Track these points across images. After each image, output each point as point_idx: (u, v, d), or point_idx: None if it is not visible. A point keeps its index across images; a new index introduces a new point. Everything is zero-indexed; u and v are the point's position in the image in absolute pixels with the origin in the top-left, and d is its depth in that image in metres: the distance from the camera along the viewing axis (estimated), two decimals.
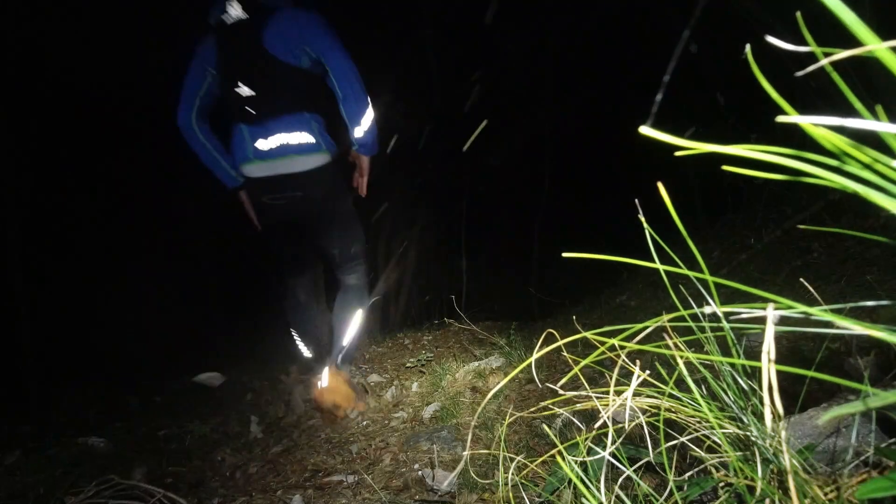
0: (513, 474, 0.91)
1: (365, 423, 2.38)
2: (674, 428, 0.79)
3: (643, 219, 0.73)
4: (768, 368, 0.46)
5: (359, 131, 1.85)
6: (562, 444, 0.77)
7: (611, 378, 0.70)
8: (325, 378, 2.01)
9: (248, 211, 2.13)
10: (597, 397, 0.78)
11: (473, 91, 6.97)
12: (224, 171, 1.96)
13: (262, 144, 1.83)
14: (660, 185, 0.57)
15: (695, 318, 0.69)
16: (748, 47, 0.46)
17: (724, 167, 0.51)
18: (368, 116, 1.86)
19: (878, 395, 0.38)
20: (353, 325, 2.16)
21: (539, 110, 8.49)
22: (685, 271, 0.62)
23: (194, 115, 1.90)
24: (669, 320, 0.65)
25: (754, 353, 1.58)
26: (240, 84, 1.77)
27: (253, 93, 1.77)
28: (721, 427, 0.68)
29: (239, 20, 1.78)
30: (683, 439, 0.74)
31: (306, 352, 2.32)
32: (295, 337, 2.33)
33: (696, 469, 0.82)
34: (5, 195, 5.11)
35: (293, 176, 1.86)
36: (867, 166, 0.39)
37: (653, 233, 0.72)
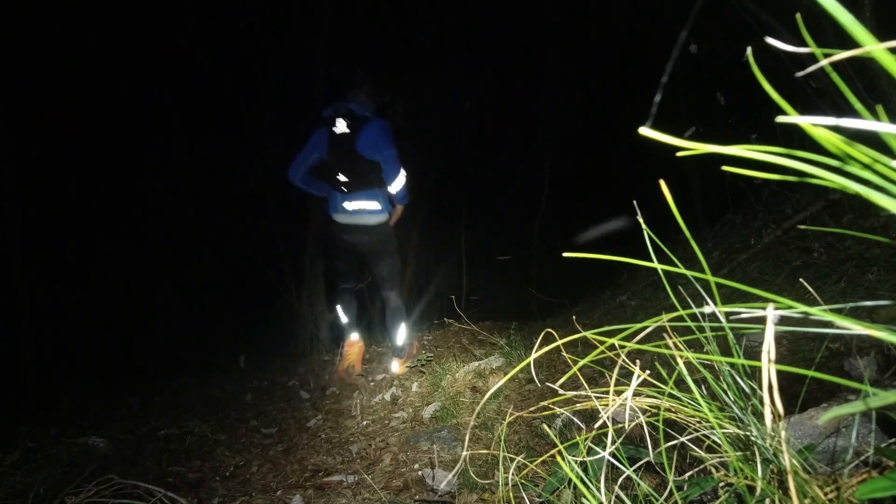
0: (513, 474, 0.91)
1: (365, 423, 2.38)
2: (674, 428, 0.79)
3: (641, 220, 0.73)
4: (768, 368, 0.46)
5: (393, 189, 2.91)
6: (562, 444, 0.77)
7: (611, 378, 0.70)
8: (354, 338, 3.18)
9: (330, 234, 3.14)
10: (597, 397, 0.78)
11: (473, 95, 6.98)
12: (332, 205, 2.97)
13: (348, 206, 2.89)
14: (662, 184, 0.57)
15: (695, 318, 0.70)
16: (749, 48, 0.46)
17: (724, 167, 0.51)
18: (399, 182, 2.89)
19: (878, 395, 0.38)
20: (401, 334, 3.20)
21: (539, 111, 8.49)
22: (685, 271, 0.62)
23: (299, 175, 3.00)
24: (669, 320, 0.65)
25: (754, 353, 1.58)
26: (340, 174, 2.80)
27: (346, 179, 2.81)
28: (721, 427, 0.68)
29: (342, 133, 2.75)
30: (683, 439, 0.74)
31: (345, 319, 3.28)
32: (340, 313, 3.30)
33: (696, 469, 0.82)
34: (6, 196, 5.11)
35: (364, 226, 2.92)
36: (867, 166, 0.39)
37: (651, 233, 0.72)
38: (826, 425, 0.80)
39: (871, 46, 0.33)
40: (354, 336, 3.17)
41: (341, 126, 2.72)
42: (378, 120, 2.83)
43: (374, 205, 2.87)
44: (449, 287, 7.94)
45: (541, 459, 1.07)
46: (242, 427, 2.77)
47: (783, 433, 0.59)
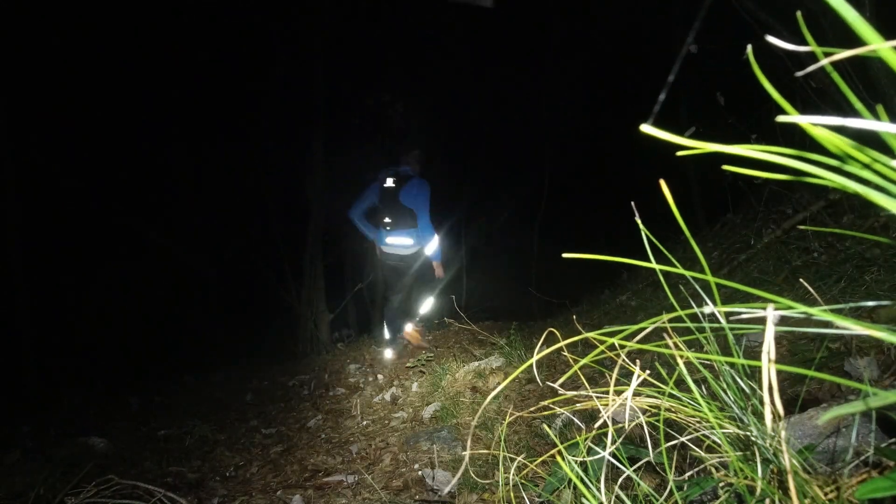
0: (513, 474, 0.91)
1: (365, 423, 2.38)
2: (674, 428, 0.79)
3: (639, 221, 0.73)
4: (768, 368, 0.46)
5: (429, 250, 3.79)
6: (562, 443, 0.77)
7: (611, 378, 0.70)
8: (408, 328, 3.90)
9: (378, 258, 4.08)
10: (597, 397, 0.78)
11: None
12: (378, 237, 3.87)
13: (390, 240, 3.80)
14: (662, 183, 0.57)
15: (695, 318, 0.69)
16: (749, 47, 0.45)
17: (725, 167, 0.51)
18: (434, 243, 3.76)
19: (878, 395, 0.38)
20: (424, 306, 4.09)
21: (539, 111, 8.49)
22: (685, 271, 0.62)
23: (357, 214, 3.86)
24: (669, 320, 0.65)
25: (754, 353, 1.58)
26: (387, 219, 3.71)
27: (390, 220, 3.73)
28: (721, 427, 0.68)
29: (390, 188, 3.71)
30: (683, 439, 0.74)
31: (388, 335, 3.97)
32: (385, 325, 4.02)
33: (696, 469, 0.82)
34: (6, 196, 5.11)
35: (400, 255, 3.86)
36: (867, 166, 0.39)
37: (649, 234, 0.72)
38: (826, 425, 0.80)
39: (877, 45, 0.33)
40: (408, 327, 3.97)
41: (389, 182, 3.74)
42: (420, 179, 3.78)
43: (408, 241, 3.79)
44: (449, 287, 7.93)
45: (541, 459, 1.07)
46: (242, 427, 2.77)
47: (783, 433, 0.59)
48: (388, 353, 3.78)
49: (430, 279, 3.98)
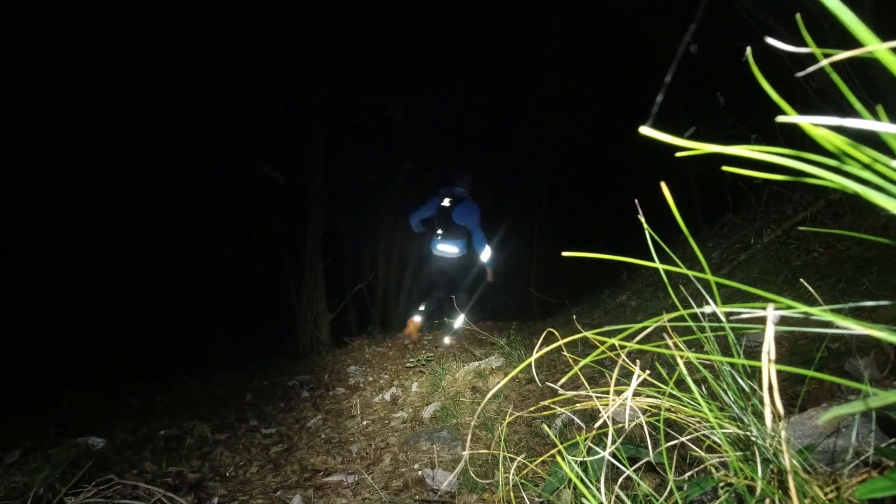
0: (513, 474, 0.91)
1: (365, 423, 2.39)
2: (674, 428, 0.79)
3: (643, 219, 0.73)
4: (768, 368, 0.46)
5: (483, 258, 4.50)
6: (562, 443, 0.77)
7: (611, 378, 0.70)
8: (415, 322, 4.51)
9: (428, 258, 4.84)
10: (597, 397, 0.78)
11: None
12: (430, 242, 4.65)
13: (440, 247, 4.56)
14: (663, 185, 0.57)
15: (695, 317, 0.70)
16: (748, 48, 0.46)
17: (724, 167, 0.51)
18: (486, 252, 4.48)
19: (878, 395, 0.38)
20: (458, 322, 4.49)
21: (540, 111, 8.48)
22: (685, 271, 0.62)
23: (415, 221, 4.67)
24: (669, 320, 0.65)
25: (754, 352, 1.58)
26: (440, 230, 4.51)
27: (442, 232, 4.52)
28: (721, 427, 0.68)
29: (446, 206, 4.50)
30: (683, 439, 0.74)
31: (422, 309, 4.59)
32: (422, 308, 4.59)
33: (696, 469, 0.82)
34: (6, 196, 5.11)
35: (447, 259, 4.58)
36: (867, 166, 0.39)
37: (652, 233, 0.72)
38: (826, 425, 0.80)
39: (874, 46, 0.33)
40: (417, 318, 4.52)
41: (446, 202, 4.55)
42: (472, 202, 4.57)
43: (455, 249, 4.57)
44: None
45: (541, 459, 1.07)
46: (242, 427, 2.77)
47: (783, 433, 0.59)
48: (416, 318, 4.60)
49: (467, 285, 4.74)
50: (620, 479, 0.85)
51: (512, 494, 1.10)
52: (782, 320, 0.47)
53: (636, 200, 0.79)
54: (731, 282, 0.55)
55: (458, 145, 8.11)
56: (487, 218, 4.67)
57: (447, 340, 4.20)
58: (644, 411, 0.78)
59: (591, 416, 1.50)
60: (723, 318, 0.66)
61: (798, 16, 0.43)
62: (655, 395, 0.75)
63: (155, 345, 6.86)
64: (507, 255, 6.41)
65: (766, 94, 0.41)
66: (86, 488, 1.33)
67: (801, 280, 1.11)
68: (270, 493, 1.81)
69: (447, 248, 4.56)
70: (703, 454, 0.73)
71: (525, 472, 1.20)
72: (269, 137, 6.35)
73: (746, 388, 0.71)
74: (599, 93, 7.85)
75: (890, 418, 0.73)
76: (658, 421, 0.72)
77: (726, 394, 0.72)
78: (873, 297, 1.64)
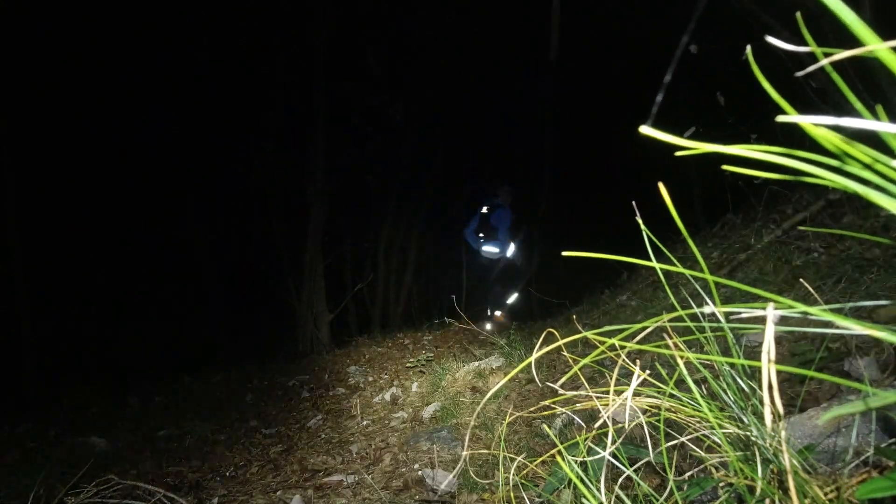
0: (513, 474, 0.91)
1: (365, 423, 2.39)
2: (674, 428, 0.79)
3: (640, 221, 0.73)
4: (768, 368, 0.46)
5: (509, 253, 5.62)
6: (562, 443, 0.77)
7: (611, 378, 0.70)
8: (499, 315, 5.69)
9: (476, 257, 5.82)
10: (597, 397, 0.78)
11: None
12: (477, 246, 5.64)
13: (485, 248, 5.60)
14: (661, 186, 0.57)
15: (695, 318, 0.69)
16: (748, 48, 0.46)
17: (724, 167, 0.51)
18: (511, 250, 5.61)
19: (878, 395, 0.38)
20: (504, 300, 5.75)
21: (540, 110, 8.47)
22: (685, 271, 0.62)
23: (469, 232, 5.65)
24: (669, 320, 0.65)
25: (754, 353, 1.58)
26: (481, 234, 5.66)
27: (484, 235, 5.57)
28: (721, 427, 0.68)
29: (485, 213, 5.55)
30: (683, 439, 0.74)
31: (499, 312, 5.65)
32: (510, 301, 5.73)
33: (696, 469, 0.82)
34: (6, 196, 5.11)
35: (489, 258, 5.62)
36: (867, 166, 0.39)
37: (650, 234, 0.72)
38: (826, 425, 0.80)
39: (875, 45, 0.33)
40: (498, 312, 5.68)
41: (485, 210, 5.56)
42: (506, 209, 5.59)
43: (494, 249, 5.51)
44: (449, 286, 7.95)
45: (541, 459, 1.07)
46: (242, 427, 2.77)
47: (783, 433, 0.59)
48: (487, 326, 5.35)
49: (509, 277, 5.75)
50: (620, 479, 0.85)
51: (512, 494, 1.10)
52: (782, 320, 0.47)
53: (634, 203, 0.79)
54: (730, 282, 0.55)
55: (458, 144, 8.11)
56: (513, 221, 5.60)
57: (497, 316, 5.59)
58: (644, 411, 0.78)
59: (591, 416, 1.50)
60: (723, 319, 0.66)
61: (798, 15, 0.43)
62: (655, 395, 0.75)
63: (155, 345, 6.86)
64: (531, 252, 7.23)
65: (767, 93, 0.41)
66: (86, 488, 1.33)
67: (801, 280, 1.11)
68: (270, 493, 1.81)
69: (489, 249, 5.63)
70: (703, 454, 0.73)
71: (525, 472, 1.20)
72: (269, 137, 6.35)
73: (746, 388, 0.71)
74: (600, 93, 7.84)
75: (890, 418, 0.73)
76: (658, 421, 0.72)
77: (726, 394, 0.72)
78: (873, 297, 1.64)
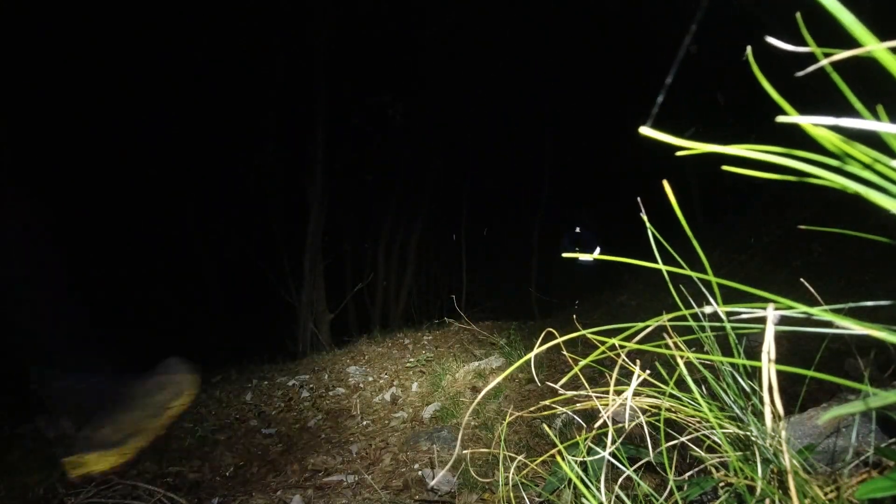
0: (513, 474, 0.91)
1: (365, 423, 2.39)
2: (674, 428, 0.79)
3: (645, 218, 0.73)
4: (768, 368, 0.46)
5: (586, 258, 6.12)
6: (562, 443, 0.77)
7: (611, 378, 0.70)
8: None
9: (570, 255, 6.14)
10: (597, 397, 0.78)
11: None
12: (572, 252, 6.75)
13: (581, 258, 5.53)
14: (665, 184, 0.57)
15: (695, 317, 0.69)
16: (748, 48, 0.46)
17: (724, 167, 0.51)
18: (595, 252, 5.92)
19: (878, 395, 0.38)
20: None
21: (540, 111, 8.48)
22: (686, 271, 0.62)
23: (564, 244, 6.86)
24: (670, 320, 0.65)
25: (754, 352, 1.57)
26: (577, 247, 6.75)
27: (579, 248, 6.66)
28: (721, 427, 0.68)
29: (577, 233, 6.87)
30: (683, 439, 0.74)
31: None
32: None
33: (696, 469, 0.82)
34: (6, 196, 5.10)
35: (583, 266, 6.85)
36: (867, 166, 0.39)
37: (654, 231, 0.72)
38: (826, 425, 0.80)
39: (873, 46, 0.33)
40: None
41: (577, 230, 6.66)
42: (588, 230, 6.71)
43: (587, 257, 5.48)
44: (449, 286, 7.96)
45: (541, 459, 1.07)
46: (242, 427, 2.77)
47: (783, 433, 0.59)
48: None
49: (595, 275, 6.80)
50: (620, 479, 0.85)
51: (512, 494, 1.10)
52: (782, 320, 0.47)
53: (639, 199, 0.79)
54: (731, 282, 0.55)
55: (458, 144, 8.11)
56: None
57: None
58: (644, 411, 0.78)
59: (591, 415, 1.50)
60: (723, 318, 0.66)
61: (798, 15, 0.43)
62: (655, 395, 0.75)
63: (155, 344, 6.86)
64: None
65: (767, 93, 0.41)
66: (86, 488, 1.33)
67: (802, 280, 1.11)
68: (270, 493, 1.81)
69: (582, 258, 6.50)
70: (703, 454, 0.73)
71: (525, 471, 1.20)
72: (269, 137, 6.35)
73: (746, 388, 0.71)
74: (600, 93, 7.85)
75: (890, 418, 0.73)
76: (658, 421, 0.72)
77: (726, 394, 0.72)
78: (873, 297, 1.64)
